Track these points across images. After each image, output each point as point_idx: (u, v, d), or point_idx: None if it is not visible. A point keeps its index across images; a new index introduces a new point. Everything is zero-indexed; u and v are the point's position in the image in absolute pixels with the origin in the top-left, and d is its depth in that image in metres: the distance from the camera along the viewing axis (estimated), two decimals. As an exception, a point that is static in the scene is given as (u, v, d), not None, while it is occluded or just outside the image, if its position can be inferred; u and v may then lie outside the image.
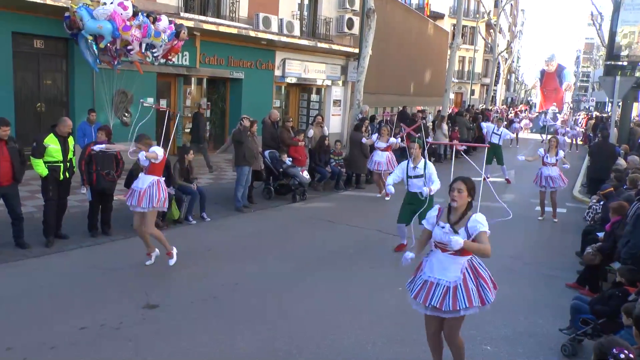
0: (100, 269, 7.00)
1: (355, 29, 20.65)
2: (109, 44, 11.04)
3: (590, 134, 27.36)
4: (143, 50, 11.76)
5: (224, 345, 5.19)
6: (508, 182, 15.76)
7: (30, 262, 7.15)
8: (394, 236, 9.06)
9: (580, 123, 34.01)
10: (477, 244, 4.15)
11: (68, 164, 7.95)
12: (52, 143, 7.71)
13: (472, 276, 4.28)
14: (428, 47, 32.40)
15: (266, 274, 7.23)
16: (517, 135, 27.14)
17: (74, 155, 8.18)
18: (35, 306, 5.82)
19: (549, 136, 12.91)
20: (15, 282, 6.47)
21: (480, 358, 5.28)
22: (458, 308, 4.19)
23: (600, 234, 7.89)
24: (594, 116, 35.05)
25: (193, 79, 16.69)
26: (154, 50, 12.03)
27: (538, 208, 11.60)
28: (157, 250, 7.34)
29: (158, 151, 7.11)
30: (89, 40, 11.07)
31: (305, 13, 20.08)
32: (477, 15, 48.65)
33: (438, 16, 44.22)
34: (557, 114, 36.27)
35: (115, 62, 11.76)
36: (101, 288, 6.40)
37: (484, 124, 17.78)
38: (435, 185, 7.91)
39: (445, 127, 19.16)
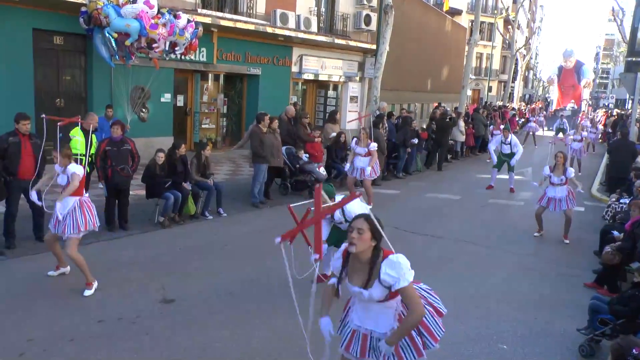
0: (118, 263, 7.08)
1: (373, 25, 20.56)
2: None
3: (610, 130, 26.95)
4: (166, 48, 11.84)
5: (240, 340, 5.21)
6: (512, 191, 14.77)
7: (50, 256, 7.21)
8: (410, 233, 9.00)
9: (599, 121, 33.39)
10: (404, 326, 3.32)
11: (90, 158, 8.03)
12: (77, 135, 7.84)
13: None
14: (445, 44, 32.22)
15: (282, 270, 7.20)
16: (534, 134, 26.43)
17: (95, 150, 8.30)
18: (54, 299, 5.91)
19: (555, 144, 11.45)
20: (35, 275, 6.57)
21: (496, 357, 5.24)
22: None
23: (617, 233, 7.78)
24: (614, 113, 34.36)
25: (210, 75, 16.76)
26: (176, 48, 12.09)
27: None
28: (68, 267, 6.65)
29: (79, 170, 6.24)
30: (107, 36, 11.14)
31: (323, 9, 20.03)
32: (495, 12, 48.14)
33: (456, 12, 43.91)
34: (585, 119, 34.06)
35: (133, 57, 11.84)
36: (118, 282, 6.47)
37: (491, 143, 16.03)
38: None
39: (462, 123, 19.04)
